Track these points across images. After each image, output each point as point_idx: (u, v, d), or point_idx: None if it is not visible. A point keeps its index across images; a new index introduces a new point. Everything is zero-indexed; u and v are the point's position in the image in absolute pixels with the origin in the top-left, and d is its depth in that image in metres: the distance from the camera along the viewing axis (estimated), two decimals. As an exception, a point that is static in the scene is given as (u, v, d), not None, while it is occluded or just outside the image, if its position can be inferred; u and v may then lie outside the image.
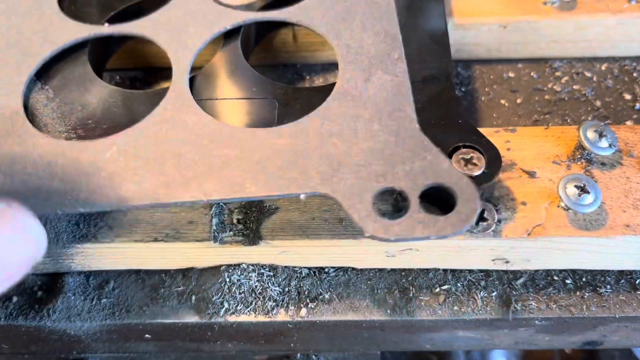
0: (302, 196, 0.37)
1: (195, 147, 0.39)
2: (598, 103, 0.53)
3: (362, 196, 0.36)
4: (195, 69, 0.48)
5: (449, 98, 0.43)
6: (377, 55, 0.43)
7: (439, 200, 0.37)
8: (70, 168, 0.40)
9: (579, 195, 0.40)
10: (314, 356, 0.50)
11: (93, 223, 0.43)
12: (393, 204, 0.42)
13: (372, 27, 0.45)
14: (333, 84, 0.44)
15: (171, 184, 0.38)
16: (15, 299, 0.45)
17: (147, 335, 0.46)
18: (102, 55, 0.51)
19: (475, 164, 0.39)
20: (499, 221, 0.40)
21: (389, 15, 0.45)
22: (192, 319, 0.44)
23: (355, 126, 0.39)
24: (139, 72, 0.58)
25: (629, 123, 0.51)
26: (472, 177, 0.39)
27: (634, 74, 0.54)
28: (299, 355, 0.51)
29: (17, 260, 0.33)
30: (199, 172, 0.38)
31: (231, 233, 0.42)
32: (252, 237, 0.42)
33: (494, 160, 0.39)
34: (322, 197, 0.37)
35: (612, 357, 0.81)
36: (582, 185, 0.40)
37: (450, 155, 0.40)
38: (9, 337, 0.47)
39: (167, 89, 0.44)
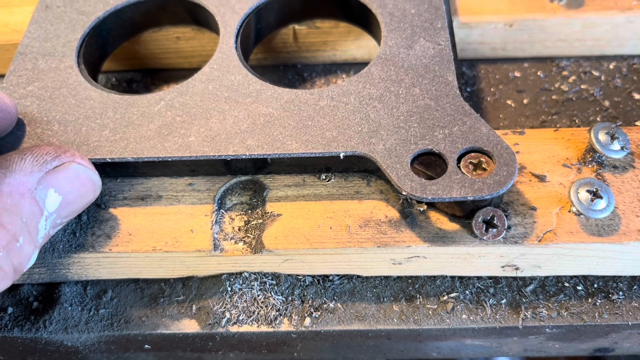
0: (341, 155, 0.39)
1: (239, 105, 0.42)
2: (607, 103, 0.51)
3: (400, 156, 0.38)
4: (193, 71, 0.47)
5: (455, 100, 0.41)
6: (420, 24, 0.45)
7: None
8: (120, 119, 0.42)
9: (592, 200, 0.38)
10: (318, 365, 0.49)
11: (90, 232, 0.42)
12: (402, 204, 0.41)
13: None
14: (336, 86, 0.43)
15: (215, 139, 0.40)
16: (10, 309, 0.44)
17: (146, 346, 0.45)
18: (97, 57, 0.50)
19: (484, 169, 0.38)
20: (509, 227, 0.39)
21: None
22: (193, 329, 0.42)
23: (397, 90, 0.41)
24: (136, 74, 0.57)
25: (638, 123, 0.50)
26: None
27: (643, 73, 0.53)
28: (302, 364, 0.49)
29: (80, 207, 0.38)
30: (243, 129, 0.40)
31: (232, 241, 0.41)
32: (254, 245, 0.41)
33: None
34: (361, 156, 0.39)
35: None
36: (594, 189, 0.39)
37: (458, 160, 0.38)
38: (5, 348, 0.45)
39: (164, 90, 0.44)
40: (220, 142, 0.40)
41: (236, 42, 0.46)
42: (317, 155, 0.39)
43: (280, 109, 0.41)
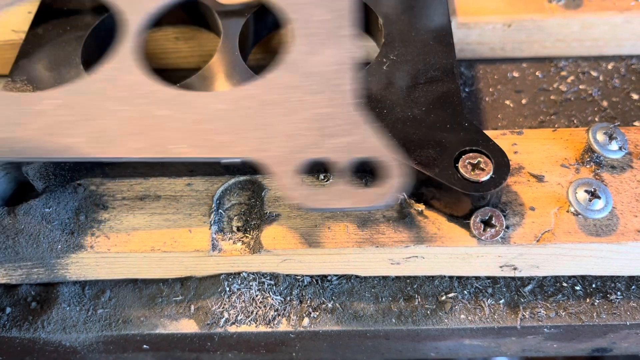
0: (229, 160, 0.38)
1: (132, 106, 0.40)
2: (605, 103, 0.51)
3: (291, 165, 0.37)
4: (192, 71, 0.47)
5: (454, 100, 0.42)
6: (328, 31, 0.44)
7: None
8: (4, 117, 0.40)
9: (590, 200, 0.38)
10: (316, 365, 0.49)
11: (89, 232, 0.42)
12: (398, 210, 0.41)
13: (328, 4, 0.45)
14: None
15: (101, 140, 0.38)
16: (8, 310, 0.44)
17: (145, 346, 0.45)
18: (95, 57, 0.50)
19: (482, 169, 0.38)
20: (507, 227, 0.39)
21: None
22: (191, 329, 0.42)
23: (297, 97, 0.40)
24: (134, 74, 0.56)
25: (637, 124, 0.50)
26: (479, 183, 0.37)
27: (641, 73, 0.53)
28: (301, 364, 0.49)
29: None
30: (131, 131, 0.39)
31: (231, 241, 0.41)
32: (252, 245, 0.41)
33: (502, 166, 0.38)
34: (254, 162, 0.38)
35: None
36: (592, 190, 0.39)
37: (456, 160, 0.38)
38: (3, 349, 0.45)
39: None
40: (106, 143, 0.38)
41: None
42: (205, 160, 0.38)
43: (175, 111, 0.40)
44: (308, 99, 0.40)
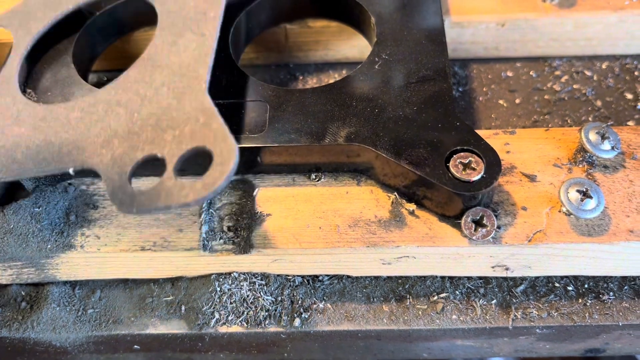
0: (70, 171, 0.36)
1: None
2: (599, 103, 0.51)
3: (122, 167, 0.35)
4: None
5: (446, 99, 0.41)
6: (193, 16, 0.41)
7: None
8: None
9: (582, 200, 0.38)
10: (308, 365, 0.49)
11: (79, 232, 0.41)
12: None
13: None
14: (326, 86, 0.43)
15: None
16: (1, 310, 0.44)
17: (135, 346, 0.45)
18: (87, 56, 0.50)
19: (473, 169, 0.38)
20: (499, 227, 0.39)
21: None
22: (182, 329, 0.42)
23: (145, 93, 0.38)
24: (127, 73, 0.56)
25: (630, 123, 0.50)
26: (470, 183, 0.37)
27: (636, 73, 0.53)
28: (293, 364, 0.49)
29: None
30: None
31: (221, 241, 0.41)
32: (243, 245, 0.40)
33: (493, 165, 0.38)
34: (90, 169, 0.36)
35: (613, 360, 0.80)
36: (584, 189, 0.39)
37: (447, 159, 0.38)
38: (-7, 349, 0.45)
39: None
40: None
41: (25, 60, 0.45)
42: (49, 173, 0.37)
43: (32, 127, 0.39)
44: (156, 93, 0.38)
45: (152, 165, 0.35)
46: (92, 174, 0.41)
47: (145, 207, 0.32)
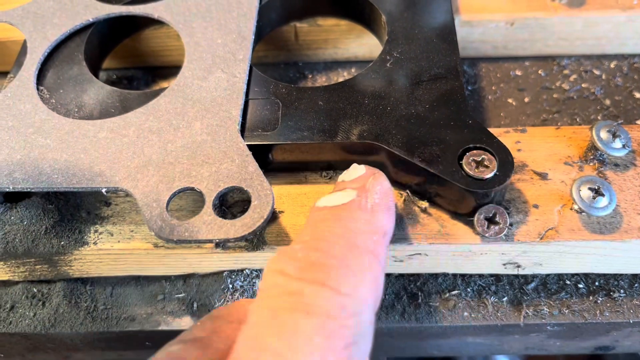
0: (103, 190, 0.38)
1: (19, 135, 0.41)
2: (607, 102, 0.51)
3: (159, 194, 0.37)
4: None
5: (458, 97, 0.42)
6: (222, 55, 0.44)
7: None
8: None
9: (594, 197, 0.38)
10: (318, 363, 0.49)
11: (93, 229, 0.41)
12: None
13: (227, 26, 0.45)
14: (338, 84, 0.43)
15: None
16: (9, 305, 0.44)
17: (147, 343, 0.45)
18: (98, 54, 0.50)
19: (486, 166, 0.38)
20: (511, 225, 0.39)
21: (248, 16, 0.46)
22: (194, 326, 0.42)
23: (178, 124, 0.40)
24: (137, 71, 0.56)
25: (639, 122, 0.50)
26: (483, 180, 0.37)
27: (644, 72, 0.53)
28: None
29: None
30: (15, 161, 0.39)
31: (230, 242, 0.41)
32: (255, 242, 0.40)
33: (506, 163, 0.38)
34: (124, 192, 0.38)
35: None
36: (596, 187, 0.39)
37: (460, 157, 0.38)
38: (5, 345, 0.45)
39: (159, 90, 0.43)
40: None
41: (39, 68, 0.45)
42: (81, 190, 0.38)
43: (58, 140, 0.40)
44: (189, 126, 0.40)
45: None
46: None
47: (186, 239, 0.35)
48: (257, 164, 0.38)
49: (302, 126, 0.41)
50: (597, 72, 0.53)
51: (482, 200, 0.38)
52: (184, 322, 0.42)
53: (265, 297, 0.28)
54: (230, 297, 0.42)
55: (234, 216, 0.40)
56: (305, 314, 0.27)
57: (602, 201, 0.38)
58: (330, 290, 0.27)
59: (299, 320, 0.26)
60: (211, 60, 0.44)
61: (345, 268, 0.29)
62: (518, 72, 0.54)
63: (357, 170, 0.37)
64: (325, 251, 0.30)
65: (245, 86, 0.42)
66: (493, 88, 0.53)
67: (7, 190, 0.38)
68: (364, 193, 0.34)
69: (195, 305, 0.43)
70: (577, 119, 0.51)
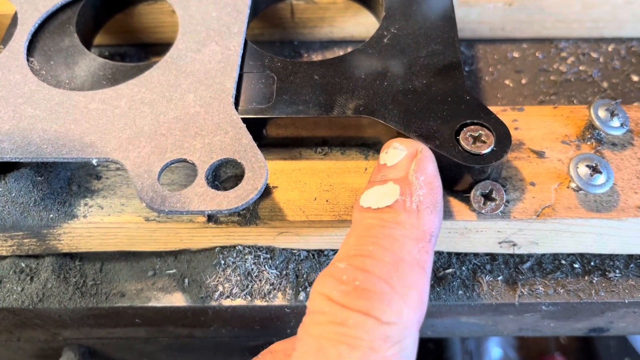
0: (94, 161, 0.37)
1: (9, 105, 0.40)
2: (605, 84, 0.51)
3: (150, 165, 0.36)
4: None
5: (456, 73, 0.41)
6: (217, 28, 0.43)
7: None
8: None
9: (591, 175, 0.38)
10: (310, 343, 0.48)
11: (82, 202, 0.41)
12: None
13: (222, 0, 0.45)
14: (335, 58, 0.43)
15: None
16: (0, 281, 0.43)
17: (137, 320, 0.44)
18: (90, 27, 0.49)
19: (484, 142, 0.37)
20: (507, 202, 0.39)
21: None
22: (185, 302, 0.42)
23: (170, 96, 0.40)
24: (130, 48, 0.56)
25: (636, 104, 0.50)
26: (480, 155, 0.37)
27: (642, 55, 0.53)
28: (295, 341, 0.49)
29: None
30: (3, 131, 0.39)
31: (223, 214, 0.40)
32: (249, 217, 0.40)
33: (504, 138, 0.37)
34: (115, 162, 0.38)
35: (608, 347, 0.80)
36: (594, 165, 0.38)
37: (457, 132, 0.38)
38: (-8, 321, 0.44)
39: (152, 62, 0.43)
40: None
41: (30, 39, 0.45)
42: (70, 161, 0.37)
43: (48, 111, 0.40)
44: (182, 98, 0.39)
45: None
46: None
47: (177, 209, 0.34)
48: (251, 136, 0.37)
49: (297, 100, 0.40)
50: (594, 55, 0.53)
51: (479, 176, 0.38)
52: (175, 298, 0.42)
53: (312, 323, 0.29)
54: (222, 273, 0.42)
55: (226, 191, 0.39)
56: (349, 347, 0.27)
57: (600, 179, 0.38)
58: (375, 321, 0.28)
59: (343, 354, 0.27)
60: (205, 33, 0.43)
61: (391, 292, 0.29)
62: (515, 54, 0.54)
63: (397, 152, 0.36)
64: (370, 271, 0.30)
65: (239, 59, 0.42)
66: (490, 69, 0.53)
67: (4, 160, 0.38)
68: (407, 189, 0.33)
69: (186, 281, 0.42)
70: (574, 101, 0.50)
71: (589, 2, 0.51)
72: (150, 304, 0.42)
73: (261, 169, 0.35)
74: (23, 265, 0.43)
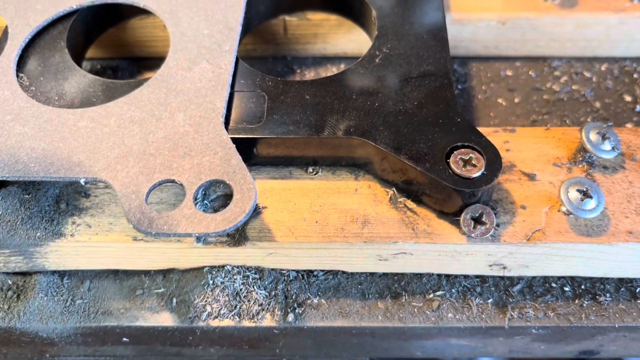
0: (82, 181, 0.37)
1: None
2: (598, 104, 0.51)
3: (138, 186, 0.36)
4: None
5: (447, 95, 0.41)
6: (208, 45, 0.43)
7: None
8: None
9: (582, 199, 0.38)
10: (300, 362, 0.48)
11: (70, 220, 0.40)
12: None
13: (214, 17, 0.45)
14: (326, 78, 0.42)
15: None
16: (-16, 298, 0.43)
17: (124, 339, 0.44)
18: (81, 42, 0.49)
19: (474, 165, 0.37)
20: (498, 225, 0.39)
21: (235, 7, 0.45)
22: (173, 322, 0.41)
23: (160, 114, 0.39)
24: (122, 62, 0.55)
25: (629, 125, 0.50)
26: (470, 179, 0.37)
27: (635, 75, 0.53)
28: (284, 361, 0.48)
29: None
30: None
31: (211, 236, 0.40)
32: (237, 237, 0.40)
33: (494, 162, 0.37)
34: (103, 182, 0.37)
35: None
36: (584, 189, 0.38)
37: (448, 155, 0.38)
38: (-22, 338, 0.44)
39: (143, 80, 0.42)
40: None
41: (20, 54, 0.44)
42: (58, 180, 0.37)
43: (36, 128, 0.39)
44: (172, 117, 0.39)
45: None
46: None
47: (165, 232, 0.34)
48: (240, 157, 0.37)
49: (288, 120, 0.40)
50: (587, 74, 0.53)
51: (469, 200, 0.38)
52: (163, 317, 0.41)
53: None
54: (210, 293, 0.41)
55: (215, 211, 0.39)
56: None
57: (590, 203, 0.38)
58: None
59: None
60: (196, 51, 0.43)
61: None
62: (509, 73, 0.54)
63: None
64: None
65: (230, 78, 0.41)
66: (483, 87, 0.53)
67: None
68: None
69: (174, 301, 0.42)
70: (567, 121, 0.50)
71: (583, 21, 0.51)
72: (137, 323, 0.42)
73: (250, 191, 0.35)
74: (10, 282, 0.43)
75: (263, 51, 0.55)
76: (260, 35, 0.53)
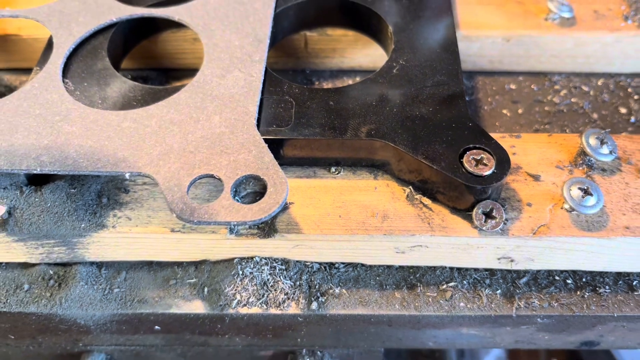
0: (127, 175, 0.41)
1: (46, 122, 0.44)
2: (595, 115, 0.55)
3: (180, 179, 0.40)
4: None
5: (459, 102, 0.45)
6: (240, 56, 0.47)
7: None
8: None
9: (583, 197, 0.42)
10: (318, 352, 0.51)
11: (111, 213, 0.44)
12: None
13: (244, 30, 0.49)
14: (348, 86, 0.46)
15: (13, 153, 0.42)
16: (26, 287, 0.46)
17: (156, 327, 0.47)
18: (120, 52, 0.52)
19: (485, 164, 0.41)
20: (506, 220, 0.42)
21: (264, 22, 0.50)
22: (204, 310, 0.44)
23: (198, 117, 0.44)
24: (151, 72, 0.59)
25: (624, 134, 0.53)
26: (482, 177, 0.40)
27: (629, 90, 0.57)
28: (304, 351, 0.51)
29: None
30: (42, 145, 0.42)
31: (246, 225, 0.43)
32: (267, 230, 0.43)
33: (503, 162, 0.41)
34: (147, 177, 0.41)
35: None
36: (585, 187, 0.42)
37: (461, 155, 0.42)
38: (17, 326, 0.47)
39: (179, 86, 0.46)
40: (16, 156, 0.41)
41: (65, 62, 0.48)
42: (105, 174, 0.41)
43: (83, 128, 0.43)
44: (209, 119, 0.43)
45: None
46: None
47: (205, 220, 0.38)
48: (272, 155, 0.41)
49: (314, 123, 0.44)
50: (585, 88, 0.57)
51: (480, 196, 0.41)
52: (195, 305, 0.45)
53: None
54: (239, 282, 0.45)
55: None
56: None
57: (591, 200, 0.42)
58: None
59: None
60: (229, 61, 0.47)
61: None
62: (512, 86, 0.58)
63: None
64: None
65: (261, 85, 0.45)
66: (489, 99, 0.57)
67: (35, 172, 0.41)
68: None
69: (206, 290, 0.45)
70: (567, 130, 0.54)
71: (582, 40, 0.55)
72: (171, 311, 0.45)
73: (282, 184, 0.39)
74: (51, 272, 0.46)
75: (284, 64, 0.59)
76: (282, 49, 0.57)
